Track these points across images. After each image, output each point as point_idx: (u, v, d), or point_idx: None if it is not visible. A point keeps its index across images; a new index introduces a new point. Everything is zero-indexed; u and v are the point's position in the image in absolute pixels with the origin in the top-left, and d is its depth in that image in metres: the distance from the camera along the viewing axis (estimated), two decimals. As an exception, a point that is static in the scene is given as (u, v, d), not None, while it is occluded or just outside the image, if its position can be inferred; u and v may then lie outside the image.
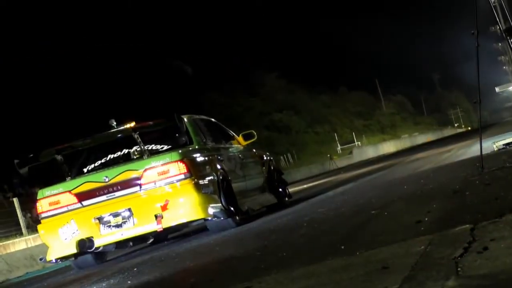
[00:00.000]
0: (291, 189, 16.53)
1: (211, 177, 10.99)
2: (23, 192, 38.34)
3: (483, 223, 4.98)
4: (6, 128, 46.43)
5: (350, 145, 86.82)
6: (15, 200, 25.38)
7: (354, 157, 69.39)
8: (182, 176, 10.43)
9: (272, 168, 14.40)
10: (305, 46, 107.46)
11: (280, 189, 14.27)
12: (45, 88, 54.01)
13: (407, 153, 39.85)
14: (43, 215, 10.94)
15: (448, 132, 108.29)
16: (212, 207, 10.56)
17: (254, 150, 14.22)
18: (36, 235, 23.54)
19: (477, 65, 9.94)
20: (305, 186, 28.71)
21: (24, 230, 24.26)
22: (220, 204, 10.70)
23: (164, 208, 10.34)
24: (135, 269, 8.49)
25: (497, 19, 10.80)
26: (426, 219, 5.98)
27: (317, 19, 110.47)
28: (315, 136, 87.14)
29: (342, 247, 5.52)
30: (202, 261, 7.48)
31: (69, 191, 10.78)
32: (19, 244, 21.57)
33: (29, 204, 31.36)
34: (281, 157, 67.24)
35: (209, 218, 10.58)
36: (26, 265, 17.56)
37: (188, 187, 10.43)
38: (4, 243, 21.67)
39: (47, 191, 10.95)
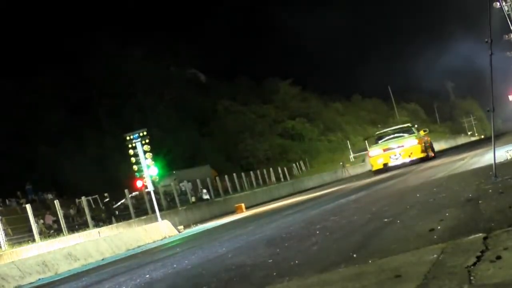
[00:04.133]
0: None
1: (425, 144, 32.08)
2: (36, 198, 38.49)
3: (496, 231, 4.96)
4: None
5: (363, 153, 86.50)
6: (28, 206, 25.37)
7: (367, 165, 69.10)
8: (416, 143, 31.23)
9: (429, 142, 34.37)
10: (319, 54, 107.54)
11: (432, 150, 34.31)
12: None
13: (420, 161, 39.66)
14: (372, 154, 32.24)
15: (461, 140, 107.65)
16: (426, 153, 31.64)
17: (424, 133, 34.16)
18: (49, 241, 23.60)
19: (490, 73, 9.92)
20: (317, 193, 28.70)
21: (36, 236, 24.25)
22: (428, 152, 32.27)
23: (413, 154, 31.11)
24: (147, 276, 8.49)
25: (511, 28, 10.77)
26: (439, 227, 5.96)
27: (331, 27, 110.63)
28: (328, 144, 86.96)
29: (355, 255, 5.51)
30: (214, 269, 7.48)
31: (380, 148, 31.84)
32: (31, 251, 21.58)
33: (41, 210, 31.45)
34: (294, 165, 67.12)
35: (425, 157, 31.22)
36: (38, 271, 17.54)
37: (420, 147, 31.21)
38: (16, 249, 21.71)
39: (372, 148, 32.84)
